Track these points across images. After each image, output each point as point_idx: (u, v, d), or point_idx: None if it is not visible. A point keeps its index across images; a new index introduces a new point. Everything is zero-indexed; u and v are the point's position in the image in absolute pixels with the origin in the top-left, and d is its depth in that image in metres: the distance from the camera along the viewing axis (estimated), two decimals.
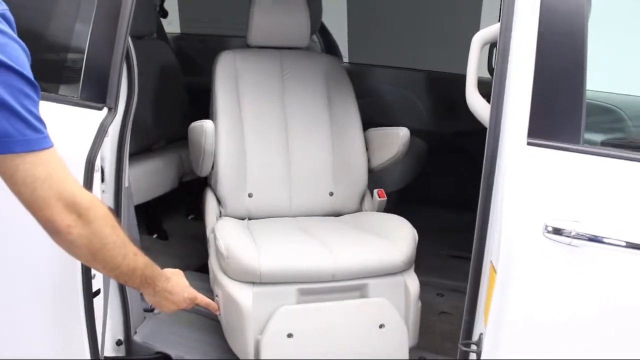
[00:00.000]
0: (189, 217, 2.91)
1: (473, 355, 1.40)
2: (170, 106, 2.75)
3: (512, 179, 1.24)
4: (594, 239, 1.17)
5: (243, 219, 2.11)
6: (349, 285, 1.77)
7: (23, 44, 0.92)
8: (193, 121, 2.91)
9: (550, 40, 1.23)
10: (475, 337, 1.39)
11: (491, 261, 1.32)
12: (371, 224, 2.02)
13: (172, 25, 3.65)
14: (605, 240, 1.16)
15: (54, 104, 1.47)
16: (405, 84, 3.25)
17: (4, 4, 0.92)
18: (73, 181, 1.01)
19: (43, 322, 1.56)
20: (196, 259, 2.45)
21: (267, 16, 2.21)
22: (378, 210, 2.18)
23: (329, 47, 3.39)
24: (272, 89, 2.24)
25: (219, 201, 2.14)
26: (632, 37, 1.52)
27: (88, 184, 1.40)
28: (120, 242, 1.09)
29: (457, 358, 1.44)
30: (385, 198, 2.18)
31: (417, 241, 1.89)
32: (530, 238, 1.20)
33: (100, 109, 1.46)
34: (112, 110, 1.47)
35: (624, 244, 1.16)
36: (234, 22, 3.90)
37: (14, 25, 0.92)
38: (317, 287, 1.75)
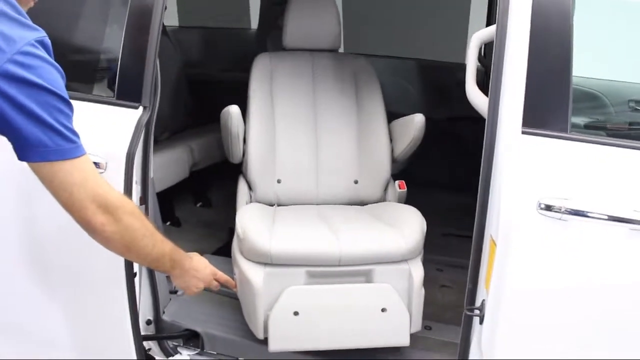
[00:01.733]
0: (198, 205, 3.05)
1: (476, 320, 1.58)
2: (172, 99, 2.84)
3: (510, 164, 1.40)
4: (579, 214, 1.34)
5: (272, 205, 2.23)
6: (354, 270, 1.85)
7: (59, 66, 1.05)
8: (195, 113, 3.05)
9: (540, 40, 1.39)
10: (477, 303, 1.56)
11: (491, 235, 1.49)
12: (385, 213, 2.10)
13: (169, 18, 3.74)
14: (589, 214, 1.33)
15: (92, 104, 1.61)
16: (398, 72, 3.39)
17: (42, 30, 1.03)
18: (105, 183, 1.14)
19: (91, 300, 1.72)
20: (210, 243, 2.60)
21: (301, 21, 2.35)
22: (399, 201, 2.27)
23: None
24: (304, 86, 2.38)
25: (250, 187, 2.25)
26: (611, 28, 1.68)
27: (129, 176, 1.55)
28: (148, 232, 1.23)
29: (462, 321, 1.62)
30: (405, 189, 2.27)
31: (425, 231, 1.96)
32: (526, 214, 1.37)
33: (136, 107, 1.60)
34: (147, 108, 1.61)
35: (606, 217, 1.33)
36: (232, 15, 4.03)
37: (51, 50, 1.04)
38: (325, 270, 1.84)
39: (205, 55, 3.70)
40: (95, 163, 1.55)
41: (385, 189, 2.31)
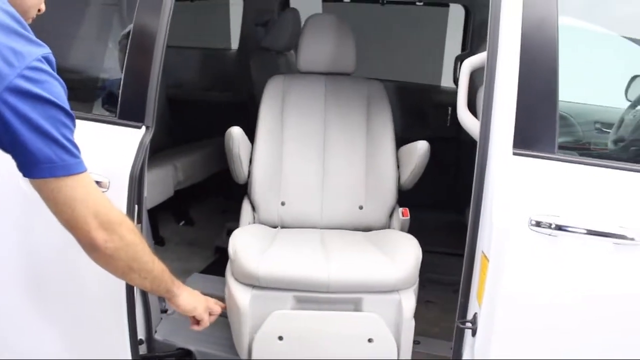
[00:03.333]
0: (181, 224, 3.05)
1: (467, 333, 1.64)
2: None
3: (502, 183, 1.49)
4: (566, 229, 1.42)
5: (275, 227, 2.23)
6: (343, 297, 1.82)
7: (62, 80, 1.06)
8: (175, 132, 3.05)
9: (529, 66, 1.48)
10: (469, 316, 1.63)
11: (482, 251, 1.57)
12: (383, 241, 2.06)
13: None
14: (575, 230, 1.42)
15: (94, 123, 1.62)
16: None
17: (46, 47, 1.05)
18: (106, 200, 1.14)
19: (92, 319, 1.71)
20: (195, 262, 2.61)
21: (315, 44, 2.37)
22: (402, 228, 2.23)
23: None
24: (315, 109, 2.39)
25: (253, 208, 2.26)
26: (575, 54, 1.80)
27: (132, 195, 1.56)
28: (147, 249, 1.23)
29: (454, 334, 1.68)
30: (408, 217, 2.23)
31: (419, 261, 1.91)
32: (518, 230, 1.45)
33: (139, 127, 1.62)
34: (150, 128, 1.63)
35: (591, 232, 1.42)
36: (213, 35, 4.06)
37: (55, 65, 1.05)
38: (313, 296, 1.80)
39: (184, 75, 3.72)
40: (97, 182, 1.58)
41: (391, 216, 2.29)
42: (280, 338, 1.78)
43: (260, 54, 3.15)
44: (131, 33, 1.64)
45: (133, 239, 1.18)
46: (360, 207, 2.28)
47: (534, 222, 1.44)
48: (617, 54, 2.08)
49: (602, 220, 1.43)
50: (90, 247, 1.12)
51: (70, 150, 1.06)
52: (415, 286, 1.91)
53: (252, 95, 3.12)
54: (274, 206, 2.25)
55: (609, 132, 2.02)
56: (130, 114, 1.62)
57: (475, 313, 1.59)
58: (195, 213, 3.15)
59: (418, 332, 2.08)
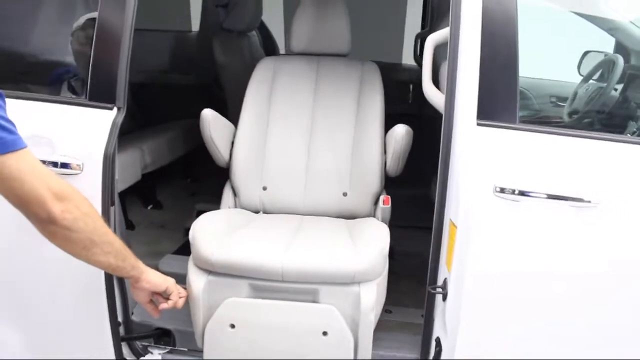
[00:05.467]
0: (149, 207, 3.04)
1: (439, 297, 1.72)
2: None
3: (467, 153, 1.56)
4: (528, 194, 1.51)
5: (257, 212, 2.17)
6: (300, 288, 1.73)
7: None
8: (137, 115, 3.03)
9: (490, 42, 1.55)
10: (440, 282, 1.71)
11: (450, 219, 1.65)
12: (358, 230, 1.97)
13: None
14: (536, 194, 1.51)
15: (62, 105, 1.61)
16: None
17: None
18: (53, 173, 1.10)
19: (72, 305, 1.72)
20: (166, 245, 2.61)
21: (308, 25, 2.29)
22: (383, 217, 2.15)
23: (267, 40, 3.60)
24: (304, 92, 2.30)
25: (235, 193, 2.20)
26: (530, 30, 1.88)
27: (106, 177, 1.56)
28: (102, 221, 1.18)
29: (426, 300, 1.75)
30: (389, 205, 2.15)
31: (385, 253, 1.81)
32: (484, 197, 1.53)
33: (110, 109, 1.62)
34: (121, 109, 1.63)
35: (550, 196, 1.51)
36: (172, 17, 4.00)
37: None
38: (268, 285, 1.73)
39: (144, 58, 3.67)
40: (65, 164, 1.58)
41: (376, 203, 2.20)
42: (233, 326, 1.71)
43: (222, 36, 3.14)
44: (98, 13, 1.62)
45: (88, 209, 1.14)
46: (345, 194, 2.21)
47: (498, 189, 1.52)
48: (569, 31, 2.18)
49: (561, 184, 1.52)
50: (48, 220, 1.07)
51: (7, 127, 1.02)
52: (381, 279, 1.78)
53: (217, 77, 3.11)
54: (256, 191, 2.20)
55: (563, 106, 2.13)
56: (100, 96, 1.61)
57: (445, 278, 1.68)
58: (163, 196, 3.14)
59: (391, 302, 2.16)
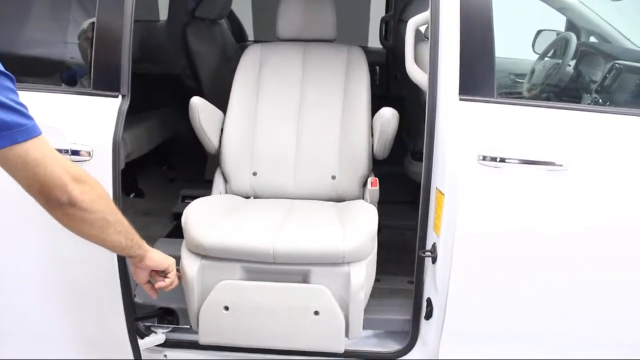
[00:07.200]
0: (131, 196, 3.08)
1: (428, 261, 1.86)
2: None
3: (451, 126, 1.71)
4: (506, 161, 1.66)
5: (248, 197, 2.22)
6: (291, 269, 1.78)
7: None
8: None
9: (469, 22, 1.69)
10: (429, 246, 1.86)
11: (437, 188, 1.79)
12: (346, 212, 2.02)
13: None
14: (515, 160, 1.66)
15: (66, 95, 1.66)
16: None
17: None
18: (65, 157, 1.13)
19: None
20: (155, 230, 2.66)
21: (294, 11, 2.33)
22: (371, 199, 2.18)
23: (236, 28, 3.66)
24: (291, 78, 2.35)
25: (226, 179, 2.24)
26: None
27: (116, 163, 1.62)
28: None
29: (416, 264, 1.89)
30: (377, 187, 2.18)
31: (374, 234, 1.87)
32: (469, 165, 1.68)
33: (115, 96, 1.67)
34: (126, 96, 1.68)
35: (527, 161, 1.66)
36: (140, 6, 3.98)
37: None
38: (260, 267, 1.78)
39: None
40: (76, 151, 1.64)
41: (365, 186, 2.25)
42: (227, 308, 1.76)
43: (195, 24, 3.17)
44: (98, 2, 1.65)
45: (101, 190, 1.18)
46: (333, 177, 2.25)
47: (481, 157, 1.67)
48: (521, 10, 2.34)
49: (536, 151, 1.68)
50: (68, 203, 1.10)
51: (23, 113, 1.03)
52: (370, 259, 1.84)
53: (192, 65, 3.15)
54: (246, 176, 2.24)
55: (521, 82, 2.31)
56: (105, 84, 1.65)
57: (434, 243, 1.82)
58: (143, 185, 3.17)
59: (378, 272, 2.29)
